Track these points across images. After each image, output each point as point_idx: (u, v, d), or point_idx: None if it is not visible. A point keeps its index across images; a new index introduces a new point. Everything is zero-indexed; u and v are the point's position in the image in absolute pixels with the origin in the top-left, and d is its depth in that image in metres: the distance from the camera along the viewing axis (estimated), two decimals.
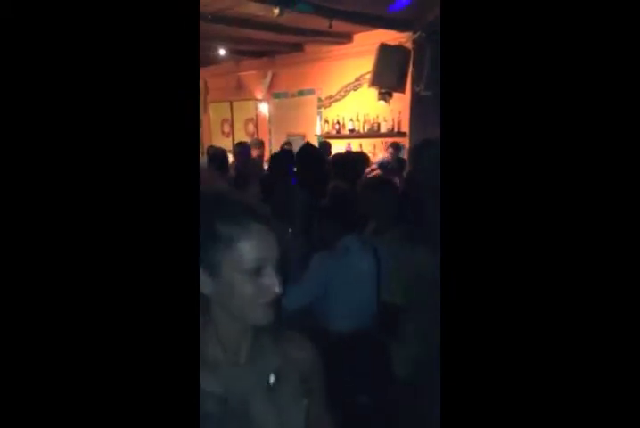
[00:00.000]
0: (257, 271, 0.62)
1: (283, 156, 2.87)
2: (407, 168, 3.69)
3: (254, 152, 4.38)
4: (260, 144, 4.94)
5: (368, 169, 3.73)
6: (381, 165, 4.05)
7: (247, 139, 6.26)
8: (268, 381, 0.68)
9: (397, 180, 3.11)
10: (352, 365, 1.61)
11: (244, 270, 0.62)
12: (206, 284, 0.63)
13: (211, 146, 5.69)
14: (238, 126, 6.70)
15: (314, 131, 5.59)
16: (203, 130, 7.10)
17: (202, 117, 7.02)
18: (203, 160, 5.12)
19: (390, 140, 4.83)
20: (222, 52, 5.31)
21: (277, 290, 0.63)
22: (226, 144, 6.43)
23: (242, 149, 3.75)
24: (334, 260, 1.67)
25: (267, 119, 6.24)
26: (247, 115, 6.53)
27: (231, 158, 4.64)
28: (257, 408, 0.67)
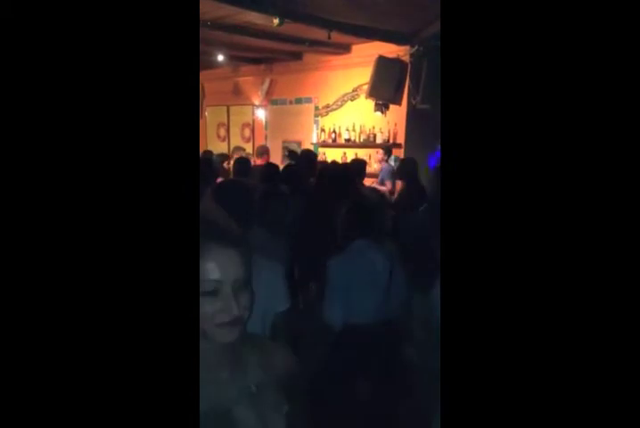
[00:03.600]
0: (214, 293, 0.64)
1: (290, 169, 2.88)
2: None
3: (258, 161, 4.23)
4: (266, 152, 4.80)
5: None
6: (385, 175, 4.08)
7: (243, 144, 6.27)
8: (250, 390, 0.71)
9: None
10: (361, 359, 1.69)
11: (202, 292, 0.63)
12: None
13: (207, 150, 5.68)
14: (234, 130, 6.69)
15: (310, 139, 5.60)
16: (199, 133, 7.08)
17: (199, 121, 7.02)
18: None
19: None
20: (220, 57, 5.31)
21: (235, 312, 0.64)
22: (222, 147, 6.42)
23: (241, 165, 3.36)
24: (351, 264, 1.75)
25: (264, 124, 6.24)
26: (243, 120, 6.53)
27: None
28: (238, 416, 0.69)
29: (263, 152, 4.83)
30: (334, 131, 5.25)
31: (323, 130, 5.41)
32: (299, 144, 5.74)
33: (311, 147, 5.39)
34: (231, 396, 0.70)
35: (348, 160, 4.60)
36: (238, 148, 5.53)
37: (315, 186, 2.78)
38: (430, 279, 1.41)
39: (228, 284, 0.64)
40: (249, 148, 6.07)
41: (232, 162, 3.99)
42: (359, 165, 3.56)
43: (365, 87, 4.45)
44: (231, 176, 3.77)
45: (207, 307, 0.64)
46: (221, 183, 2.13)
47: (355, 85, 5.06)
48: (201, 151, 6.23)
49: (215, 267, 0.64)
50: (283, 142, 5.94)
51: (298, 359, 0.80)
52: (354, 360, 1.70)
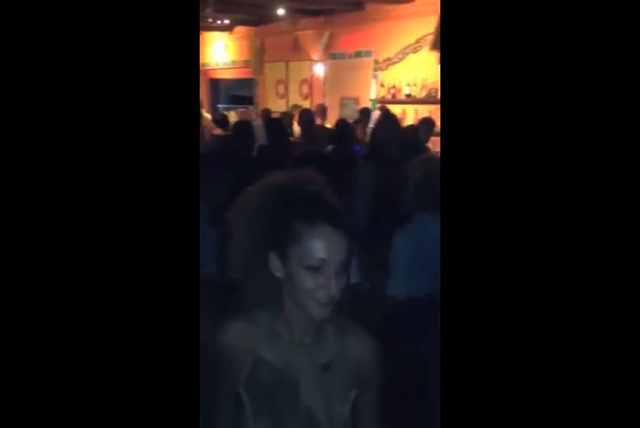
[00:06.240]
0: (316, 269, 0.67)
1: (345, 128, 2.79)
2: None
3: (318, 120, 4.19)
4: (324, 111, 4.71)
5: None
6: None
7: (301, 101, 6.23)
8: (322, 363, 0.74)
9: None
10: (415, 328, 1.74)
11: (305, 266, 0.67)
12: (279, 270, 0.71)
13: (265, 109, 5.71)
14: (293, 87, 6.65)
15: (368, 95, 5.46)
16: (258, 91, 7.13)
17: (258, 77, 7.03)
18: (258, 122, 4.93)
19: None
20: (280, 10, 5.20)
21: (333, 292, 0.67)
22: (281, 105, 6.43)
23: (305, 116, 3.38)
24: (415, 236, 1.76)
25: (322, 80, 6.14)
26: (302, 76, 6.44)
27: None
28: (306, 386, 0.72)
29: (322, 110, 4.81)
30: (394, 86, 5.07)
31: (382, 85, 5.25)
32: (357, 100, 5.62)
33: (369, 104, 5.27)
34: (304, 361, 0.73)
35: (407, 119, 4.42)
36: (296, 106, 5.52)
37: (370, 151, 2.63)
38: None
39: (332, 265, 0.67)
40: (307, 105, 6.04)
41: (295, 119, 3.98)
42: (428, 125, 3.26)
43: (429, 38, 4.21)
44: (296, 134, 3.78)
45: (308, 281, 0.67)
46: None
47: (418, 36, 4.80)
48: (260, 109, 6.27)
49: (324, 247, 0.66)
50: (341, 98, 5.84)
51: (370, 341, 0.78)
52: (406, 333, 1.68)
